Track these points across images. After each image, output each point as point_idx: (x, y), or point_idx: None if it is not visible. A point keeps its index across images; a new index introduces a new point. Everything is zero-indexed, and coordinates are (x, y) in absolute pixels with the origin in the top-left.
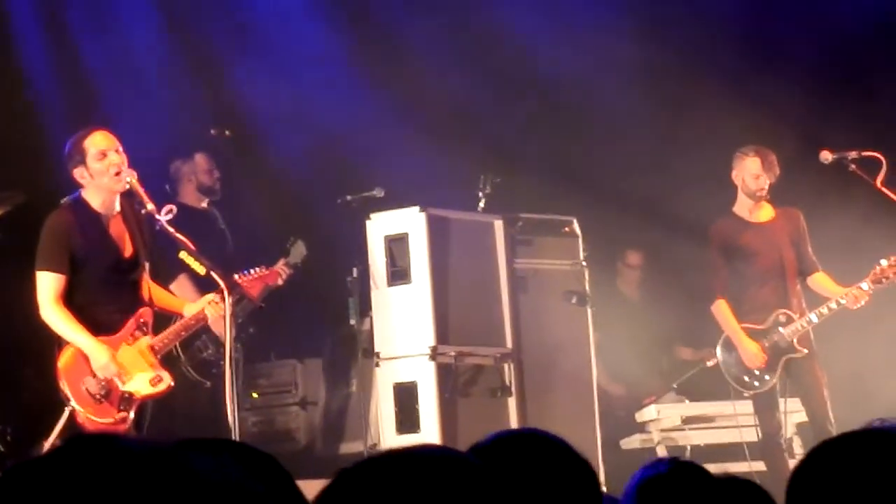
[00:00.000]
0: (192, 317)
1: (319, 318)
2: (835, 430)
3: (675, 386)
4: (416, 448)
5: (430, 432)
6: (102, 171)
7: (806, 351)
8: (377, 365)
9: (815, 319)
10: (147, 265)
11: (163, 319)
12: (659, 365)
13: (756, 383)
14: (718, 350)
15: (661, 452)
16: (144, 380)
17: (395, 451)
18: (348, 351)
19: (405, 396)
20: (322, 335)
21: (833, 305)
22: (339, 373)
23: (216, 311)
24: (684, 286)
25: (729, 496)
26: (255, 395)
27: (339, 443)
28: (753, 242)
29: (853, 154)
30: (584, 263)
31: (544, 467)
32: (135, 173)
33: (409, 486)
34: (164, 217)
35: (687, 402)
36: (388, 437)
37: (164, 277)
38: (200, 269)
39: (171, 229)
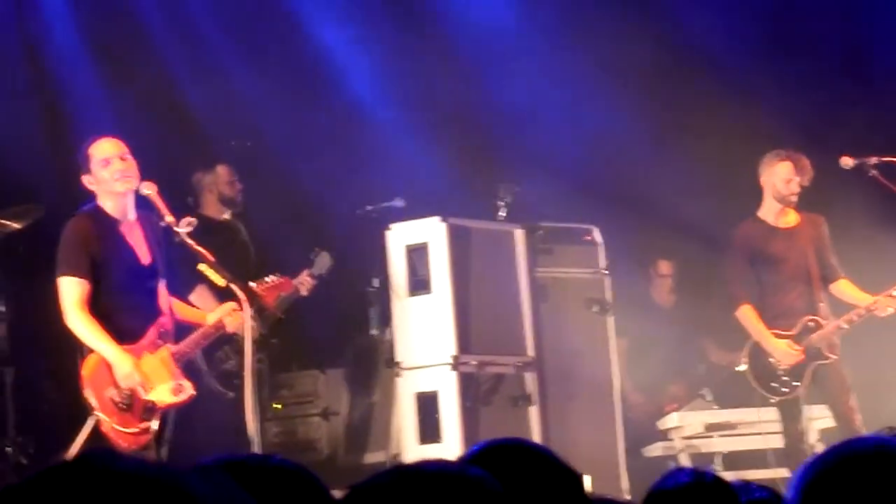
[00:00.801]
0: (211, 325)
1: (341, 329)
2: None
3: (702, 393)
4: (423, 465)
5: (451, 442)
6: (106, 178)
7: (835, 357)
8: (398, 375)
9: (844, 326)
10: (165, 275)
11: (182, 329)
12: (695, 371)
13: (784, 389)
14: (745, 356)
15: (684, 460)
16: (166, 389)
17: (403, 467)
18: (370, 361)
19: (427, 406)
20: (343, 345)
21: (863, 312)
22: (361, 383)
23: (236, 320)
24: (717, 293)
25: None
26: (276, 405)
27: (361, 453)
28: (781, 248)
29: (874, 160)
30: (605, 272)
31: (530, 477)
32: (154, 185)
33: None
34: (183, 229)
35: (715, 407)
36: (410, 447)
37: (183, 289)
38: (220, 281)
39: (190, 241)
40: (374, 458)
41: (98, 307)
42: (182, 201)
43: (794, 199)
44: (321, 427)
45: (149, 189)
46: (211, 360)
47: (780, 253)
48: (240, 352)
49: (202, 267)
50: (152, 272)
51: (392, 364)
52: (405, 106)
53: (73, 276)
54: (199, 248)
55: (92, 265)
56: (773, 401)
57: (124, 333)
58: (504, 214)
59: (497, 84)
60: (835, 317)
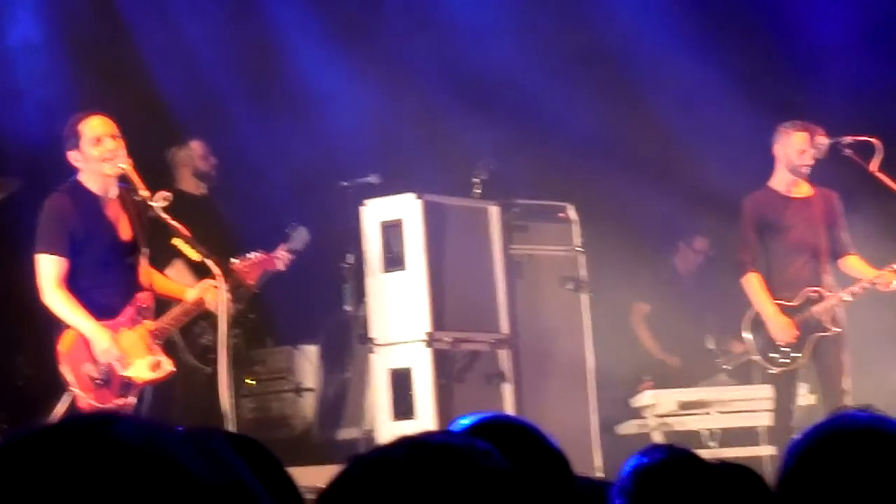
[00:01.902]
0: (191, 302)
1: (314, 305)
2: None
3: (727, 367)
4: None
5: (425, 418)
6: (96, 157)
7: (837, 330)
8: (372, 351)
9: (846, 298)
10: (146, 251)
11: (162, 305)
12: (703, 344)
13: (784, 360)
14: (745, 328)
15: (657, 438)
16: (144, 365)
17: (412, 440)
18: (344, 337)
19: (400, 382)
20: (317, 322)
21: (866, 285)
22: (335, 359)
23: (216, 296)
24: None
25: (723, 482)
26: (250, 381)
27: (334, 429)
28: (790, 218)
29: (848, 139)
30: (579, 249)
31: (515, 453)
32: (129, 160)
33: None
34: (158, 203)
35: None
36: (384, 424)
37: (160, 263)
38: (195, 256)
39: (164, 216)
40: (347, 434)
41: (76, 284)
42: (156, 176)
43: (807, 170)
44: (295, 403)
45: (124, 164)
46: (188, 335)
47: (789, 222)
48: (216, 327)
49: (177, 241)
50: (133, 248)
51: (366, 340)
52: (381, 82)
53: (52, 253)
54: (175, 223)
55: (71, 242)
56: (772, 371)
57: (102, 310)
58: (479, 191)
59: (473, 60)
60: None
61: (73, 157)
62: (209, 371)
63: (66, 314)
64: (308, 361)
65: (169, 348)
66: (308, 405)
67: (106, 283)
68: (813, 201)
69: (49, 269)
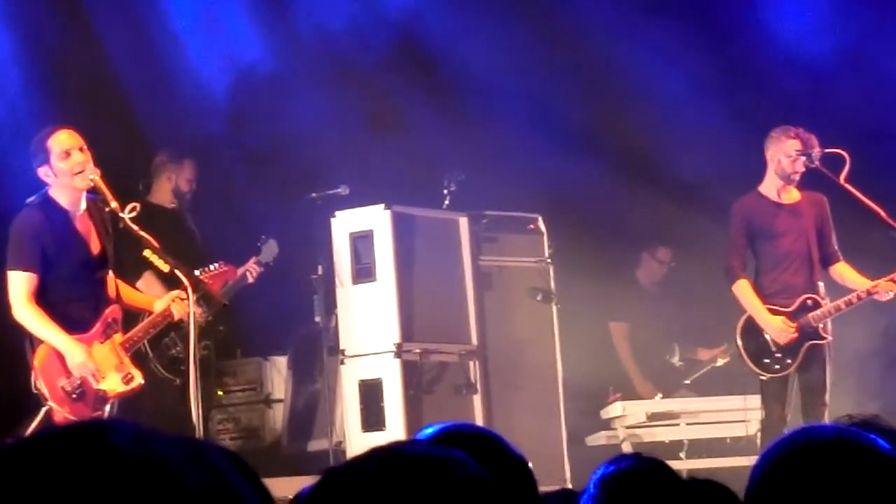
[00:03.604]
0: (158, 314)
1: (285, 316)
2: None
3: (687, 382)
4: (406, 447)
5: (395, 429)
6: (66, 171)
7: (829, 339)
8: (342, 362)
9: (843, 308)
10: (112, 263)
11: (130, 317)
12: (667, 359)
13: (776, 366)
14: (738, 334)
15: (627, 449)
16: (117, 378)
17: (385, 450)
18: (314, 348)
19: (370, 394)
20: (287, 333)
21: (864, 295)
22: (305, 370)
23: (182, 307)
24: (707, 289)
25: (692, 492)
26: (220, 392)
27: (304, 440)
28: (782, 224)
29: (817, 150)
30: (549, 261)
31: (478, 461)
32: (98, 171)
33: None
34: (127, 215)
35: (659, 397)
36: (354, 435)
37: (129, 275)
38: (164, 267)
39: (134, 227)
40: (317, 445)
41: (48, 298)
42: (125, 186)
43: (797, 177)
44: (264, 414)
45: (93, 174)
46: (157, 346)
47: (781, 228)
48: (186, 339)
49: (147, 252)
50: (102, 261)
51: (336, 351)
52: (351, 93)
53: (23, 269)
54: (144, 234)
55: (43, 257)
56: (763, 378)
57: (75, 323)
58: (449, 202)
59: (443, 69)
60: (829, 299)
61: (42, 172)
62: (178, 382)
63: (39, 329)
64: (278, 372)
65: (139, 360)
66: (278, 416)
67: (77, 298)
68: (803, 207)
69: (20, 285)
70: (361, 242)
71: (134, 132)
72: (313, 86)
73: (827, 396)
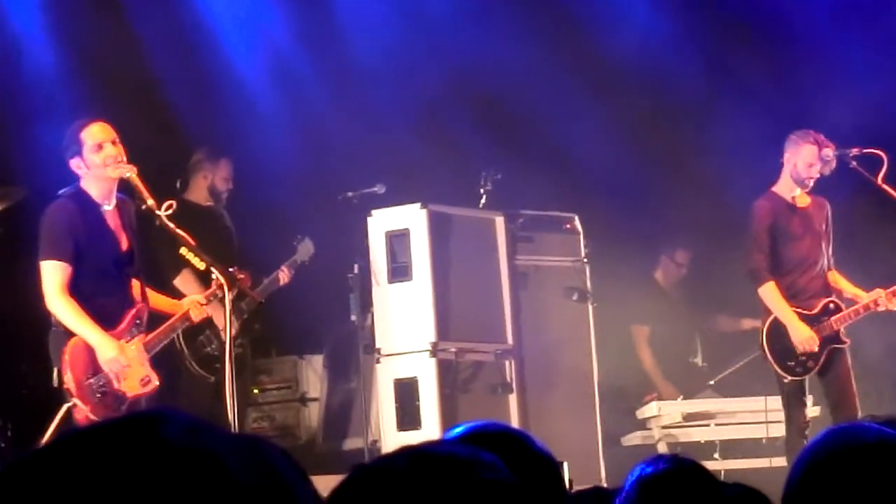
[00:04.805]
0: (177, 318)
1: (320, 315)
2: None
3: (711, 383)
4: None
5: (430, 428)
6: (98, 163)
7: (848, 342)
8: (378, 361)
9: (861, 312)
10: (138, 265)
11: (154, 318)
12: (690, 360)
13: (799, 368)
14: (764, 336)
15: (662, 449)
16: (136, 379)
17: (413, 450)
18: (349, 347)
19: (406, 393)
20: (323, 331)
21: (872, 305)
22: (340, 369)
23: (200, 312)
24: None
25: (726, 494)
26: (255, 390)
27: (339, 439)
28: (798, 227)
29: (854, 151)
30: (585, 260)
31: (506, 461)
32: (135, 168)
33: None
34: (163, 212)
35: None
36: (389, 434)
37: (168, 272)
38: (200, 265)
39: (170, 224)
40: (352, 444)
41: (79, 292)
42: (162, 184)
43: (811, 183)
44: (299, 412)
45: (130, 171)
46: (192, 344)
47: (798, 231)
48: (221, 336)
49: (183, 250)
50: (129, 260)
51: (371, 350)
52: (387, 92)
53: (57, 259)
54: (180, 232)
55: (75, 249)
56: (786, 380)
57: (104, 318)
58: (485, 201)
59: (480, 70)
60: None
61: (75, 164)
62: (213, 380)
63: (72, 322)
64: (313, 371)
65: (174, 357)
66: (313, 415)
67: (106, 293)
68: (813, 211)
69: (54, 276)
70: (397, 241)
71: (171, 129)
72: (351, 85)
73: (855, 394)
